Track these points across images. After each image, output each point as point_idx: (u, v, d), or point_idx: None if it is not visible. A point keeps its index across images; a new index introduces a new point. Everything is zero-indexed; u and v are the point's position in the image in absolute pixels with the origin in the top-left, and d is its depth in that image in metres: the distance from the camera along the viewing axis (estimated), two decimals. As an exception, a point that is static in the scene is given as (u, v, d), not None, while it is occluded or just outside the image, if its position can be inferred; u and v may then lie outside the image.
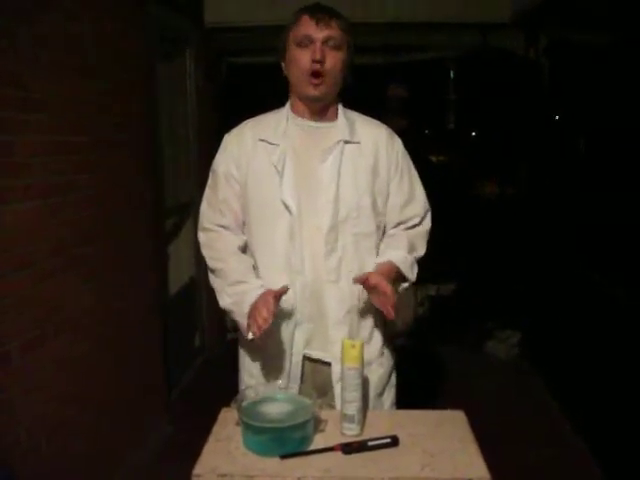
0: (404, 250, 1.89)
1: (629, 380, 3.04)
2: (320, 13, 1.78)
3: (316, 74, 1.78)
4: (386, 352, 1.97)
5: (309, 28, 1.77)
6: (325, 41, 1.77)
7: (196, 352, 4.80)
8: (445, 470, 1.42)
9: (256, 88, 5.20)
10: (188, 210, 4.53)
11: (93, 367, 2.76)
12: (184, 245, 4.53)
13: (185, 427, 3.40)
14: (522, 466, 3.19)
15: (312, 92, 1.81)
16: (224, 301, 1.86)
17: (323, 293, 1.81)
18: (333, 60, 1.79)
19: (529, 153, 4.92)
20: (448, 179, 5.99)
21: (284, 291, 1.72)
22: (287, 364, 1.85)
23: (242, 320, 1.79)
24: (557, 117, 4.92)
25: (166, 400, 3.75)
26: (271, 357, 1.87)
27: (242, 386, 1.96)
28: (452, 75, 5.67)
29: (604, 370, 3.35)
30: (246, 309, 1.75)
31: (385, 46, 5.07)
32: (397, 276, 1.87)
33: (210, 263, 1.92)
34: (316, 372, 1.87)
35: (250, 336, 1.70)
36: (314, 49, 1.76)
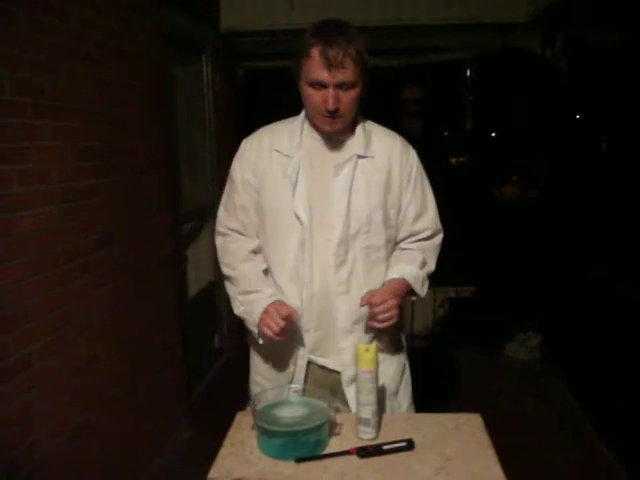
0: (417, 266, 1.91)
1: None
2: (332, 49, 1.67)
3: (331, 116, 1.77)
4: (395, 353, 1.99)
5: (321, 72, 1.70)
6: (339, 85, 1.72)
7: (215, 354, 4.82)
8: (460, 475, 1.41)
9: (273, 92, 5.21)
10: (206, 213, 4.56)
11: (113, 370, 2.78)
12: (203, 248, 4.55)
13: (205, 430, 3.41)
14: (542, 471, 3.17)
15: (327, 129, 1.81)
16: (237, 309, 1.93)
17: (332, 303, 1.84)
18: (348, 100, 1.75)
19: (549, 153, 4.88)
20: (467, 181, 5.97)
21: (292, 318, 1.78)
22: (292, 367, 1.90)
23: (254, 329, 1.86)
24: (577, 117, 4.87)
25: (187, 403, 3.76)
26: (278, 359, 1.92)
27: (252, 384, 2.03)
28: (469, 76, 5.63)
29: (627, 372, 3.31)
30: (256, 319, 1.82)
31: (402, 48, 5.06)
32: (408, 291, 1.91)
33: (223, 269, 1.98)
34: (322, 378, 1.89)
35: (261, 341, 1.85)
36: (327, 96, 1.72)
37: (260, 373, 1.99)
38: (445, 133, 6.49)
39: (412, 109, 4.21)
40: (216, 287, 4.71)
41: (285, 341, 1.82)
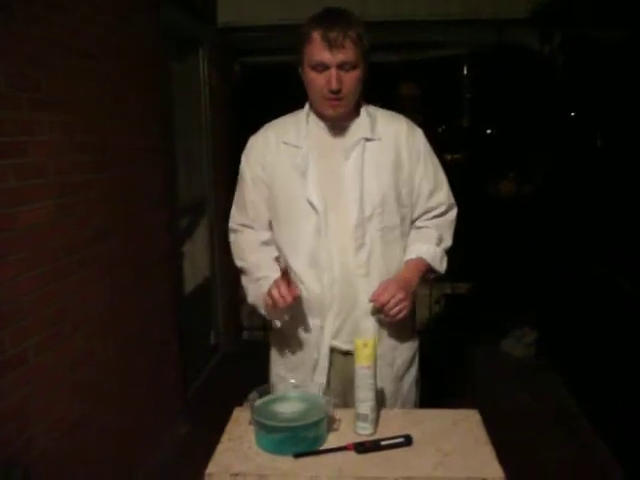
0: (433, 244, 1.95)
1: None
2: (332, 31, 1.72)
3: (334, 98, 1.79)
4: (410, 336, 2.04)
5: (322, 53, 1.74)
6: (340, 65, 1.75)
7: (211, 350, 4.82)
8: (458, 470, 1.42)
9: (270, 87, 5.21)
10: (203, 208, 4.55)
11: (110, 365, 2.77)
12: (199, 243, 4.54)
13: (201, 426, 3.41)
14: (538, 467, 3.17)
15: (330, 113, 1.84)
16: (250, 297, 1.97)
17: (353, 287, 1.86)
18: (350, 81, 1.78)
19: (545, 150, 4.89)
20: (463, 177, 5.97)
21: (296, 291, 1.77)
22: (315, 355, 1.91)
23: (264, 312, 1.90)
24: (573, 114, 4.87)
25: (183, 399, 3.76)
26: (299, 349, 1.94)
27: (273, 377, 2.03)
28: (466, 72, 5.63)
29: (623, 368, 3.32)
30: (261, 300, 1.86)
31: (399, 44, 5.05)
32: (427, 270, 1.95)
33: (236, 262, 2.03)
34: (345, 364, 1.90)
35: (277, 324, 1.87)
36: (329, 77, 1.75)
37: (282, 366, 2.01)
38: (440, 129, 6.50)
39: (409, 105, 4.21)
40: (212, 283, 4.70)
41: (305, 330, 1.87)
